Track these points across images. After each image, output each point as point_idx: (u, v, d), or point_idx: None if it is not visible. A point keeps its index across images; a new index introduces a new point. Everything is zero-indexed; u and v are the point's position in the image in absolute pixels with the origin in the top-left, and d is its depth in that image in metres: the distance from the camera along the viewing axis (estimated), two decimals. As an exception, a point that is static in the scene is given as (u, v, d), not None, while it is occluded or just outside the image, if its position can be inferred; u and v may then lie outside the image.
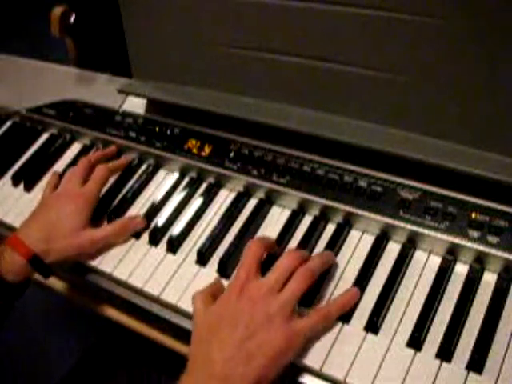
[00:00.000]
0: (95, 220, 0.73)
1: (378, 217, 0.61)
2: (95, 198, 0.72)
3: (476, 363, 0.51)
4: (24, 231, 0.68)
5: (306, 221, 0.67)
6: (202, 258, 0.66)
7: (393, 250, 0.62)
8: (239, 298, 0.54)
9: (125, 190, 0.77)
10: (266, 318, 0.52)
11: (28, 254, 0.65)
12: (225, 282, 0.63)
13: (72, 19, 0.93)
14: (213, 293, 0.58)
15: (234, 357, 0.51)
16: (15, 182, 0.83)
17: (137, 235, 0.70)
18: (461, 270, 0.59)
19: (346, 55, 0.63)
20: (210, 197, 0.72)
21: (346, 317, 0.57)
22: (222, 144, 0.73)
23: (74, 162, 0.83)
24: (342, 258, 0.62)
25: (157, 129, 0.78)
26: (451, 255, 0.59)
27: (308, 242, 0.64)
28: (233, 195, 0.72)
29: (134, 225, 0.70)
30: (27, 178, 0.82)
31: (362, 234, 0.64)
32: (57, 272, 0.68)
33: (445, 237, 0.58)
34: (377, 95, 0.63)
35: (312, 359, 0.55)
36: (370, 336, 0.56)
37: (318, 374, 0.55)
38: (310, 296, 0.59)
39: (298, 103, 0.69)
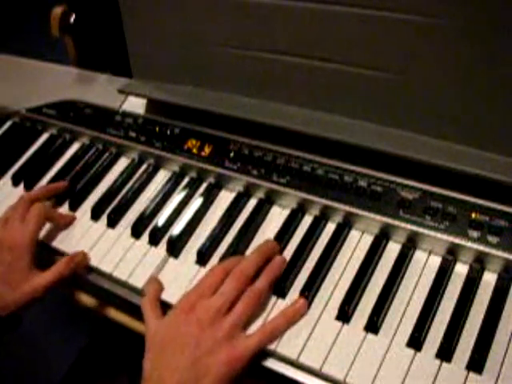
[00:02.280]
0: (97, 218, 0.73)
1: (378, 217, 0.61)
2: (32, 243, 0.69)
3: (476, 363, 0.51)
4: None
5: (306, 221, 0.67)
6: (202, 258, 0.66)
7: (393, 249, 0.62)
8: (188, 320, 0.56)
9: (125, 190, 0.77)
10: (213, 342, 0.54)
11: None
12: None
13: (72, 19, 0.93)
14: (157, 296, 0.62)
15: (183, 379, 0.53)
16: (15, 181, 0.83)
17: (137, 235, 0.70)
18: (461, 269, 0.59)
19: (346, 55, 0.63)
20: (210, 197, 0.72)
21: (345, 317, 0.57)
22: (222, 144, 0.73)
23: (73, 162, 0.83)
24: (341, 258, 0.62)
25: (157, 129, 0.78)
26: (451, 255, 0.59)
27: (308, 241, 0.64)
28: (233, 195, 0.72)
29: (75, 262, 0.68)
30: (27, 178, 0.82)
31: (362, 233, 0.64)
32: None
33: (445, 237, 0.58)
34: (377, 95, 0.63)
35: (312, 359, 0.55)
36: (370, 336, 0.56)
37: (318, 374, 0.55)
38: (311, 297, 0.59)
39: (298, 103, 0.69)
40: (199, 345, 0.54)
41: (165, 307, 0.64)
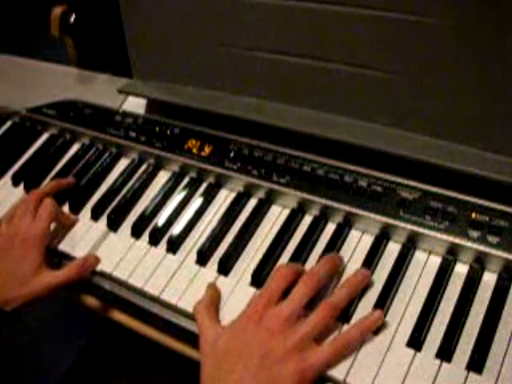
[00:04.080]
0: (97, 218, 0.73)
1: (378, 217, 0.61)
2: (44, 238, 0.69)
3: (476, 363, 0.51)
4: None
5: (306, 221, 0.67)
6: (202, 258, 0.66)
7: (393, 249, 0.62)
8: (257, 328, 0.53)
9: (125, 190, 0.77)
10: (284, 351, 0.51)
11: None
12: (225, 280, 0.63)
13: (72, 19, 0.93)
14: (214, 303, 0.59)
15: None
16: (15, 182, 0.83)
17: (137, 235, 0.70)
18: (461, 270, 0.59)
19: (346, 55, 0.63)
20: (209, 197, 0.72)
21: (345, 317, 0.57)
22: (222, 144, 0.73)
23: (74, 162, 0.83)
24: (342, 258, 0.62)
25: (157, 129, 0.78)
26: (451, 255, 0.59)
27: (308, 241, 0.64)
28: (233, 195, 0.72)
29: (88, 265, 0.68)
30: (27, 178, 0.82)
31: (362, 233, 0.64)
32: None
33: (445, 237, 0.58)
34: (376, 95, 0.63)
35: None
36: (370, 336, 0.56)
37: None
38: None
39: (298, 103, 0.69)
40: (269, 353, 0.51)
41: (166, 307, 0.64)
